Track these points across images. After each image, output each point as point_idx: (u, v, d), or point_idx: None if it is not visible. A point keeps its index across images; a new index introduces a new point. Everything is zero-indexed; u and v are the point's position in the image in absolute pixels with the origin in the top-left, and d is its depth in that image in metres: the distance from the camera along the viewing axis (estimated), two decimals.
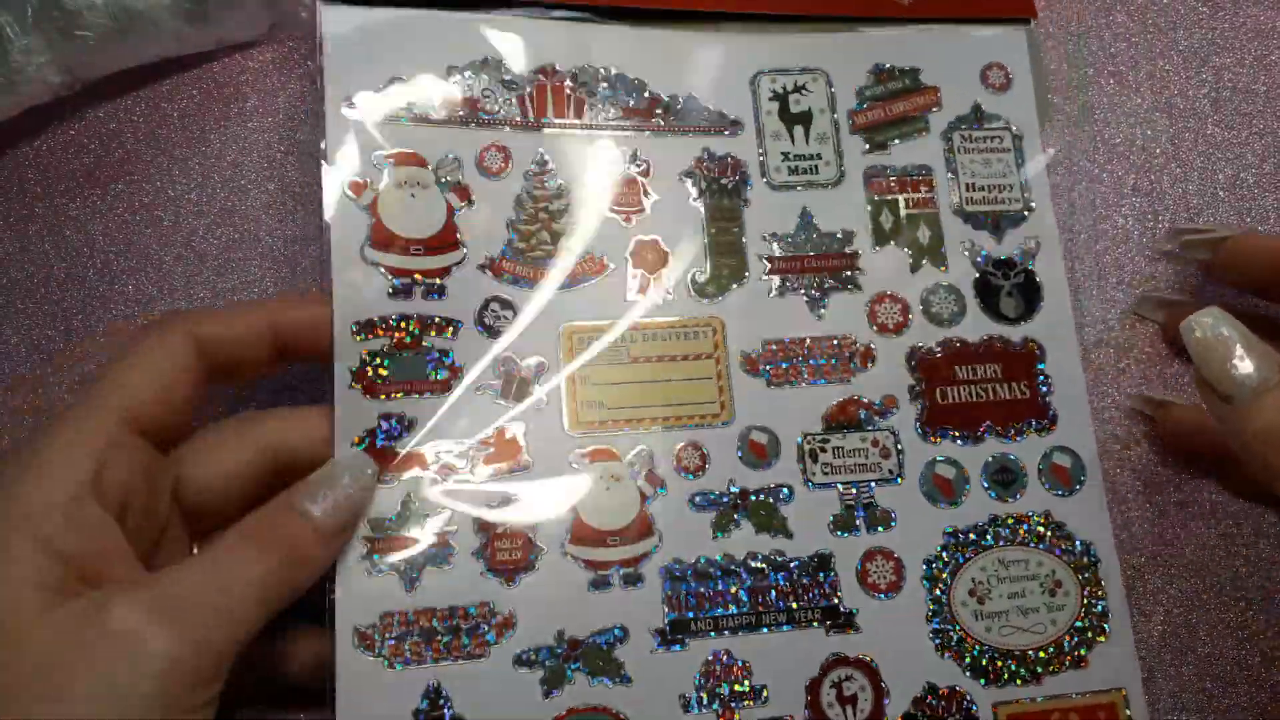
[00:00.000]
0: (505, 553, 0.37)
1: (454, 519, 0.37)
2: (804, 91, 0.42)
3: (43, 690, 0.27)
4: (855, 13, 0.43)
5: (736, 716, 0.37)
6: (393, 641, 0.35)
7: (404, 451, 0.37)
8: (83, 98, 0.41)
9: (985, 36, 0.43)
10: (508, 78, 0.40)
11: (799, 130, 0.42)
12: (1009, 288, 0.42)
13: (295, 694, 0.37)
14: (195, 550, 0.35)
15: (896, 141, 0.42)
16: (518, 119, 0.39)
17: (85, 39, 0.38)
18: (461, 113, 0.39)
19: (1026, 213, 0.43)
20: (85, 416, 0.31)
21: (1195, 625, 0.41)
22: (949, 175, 0.42)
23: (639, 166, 0.40)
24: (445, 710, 0.35)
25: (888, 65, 0.43)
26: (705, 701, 0.36)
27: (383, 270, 0.38)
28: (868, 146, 0.42)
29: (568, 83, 0.40)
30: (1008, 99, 0.43)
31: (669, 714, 0.36)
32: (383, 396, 0.37)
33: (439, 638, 0.36)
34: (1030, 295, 0.42)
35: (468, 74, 0.39)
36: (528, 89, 0.40)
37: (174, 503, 0.34)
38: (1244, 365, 0.31)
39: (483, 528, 0.37)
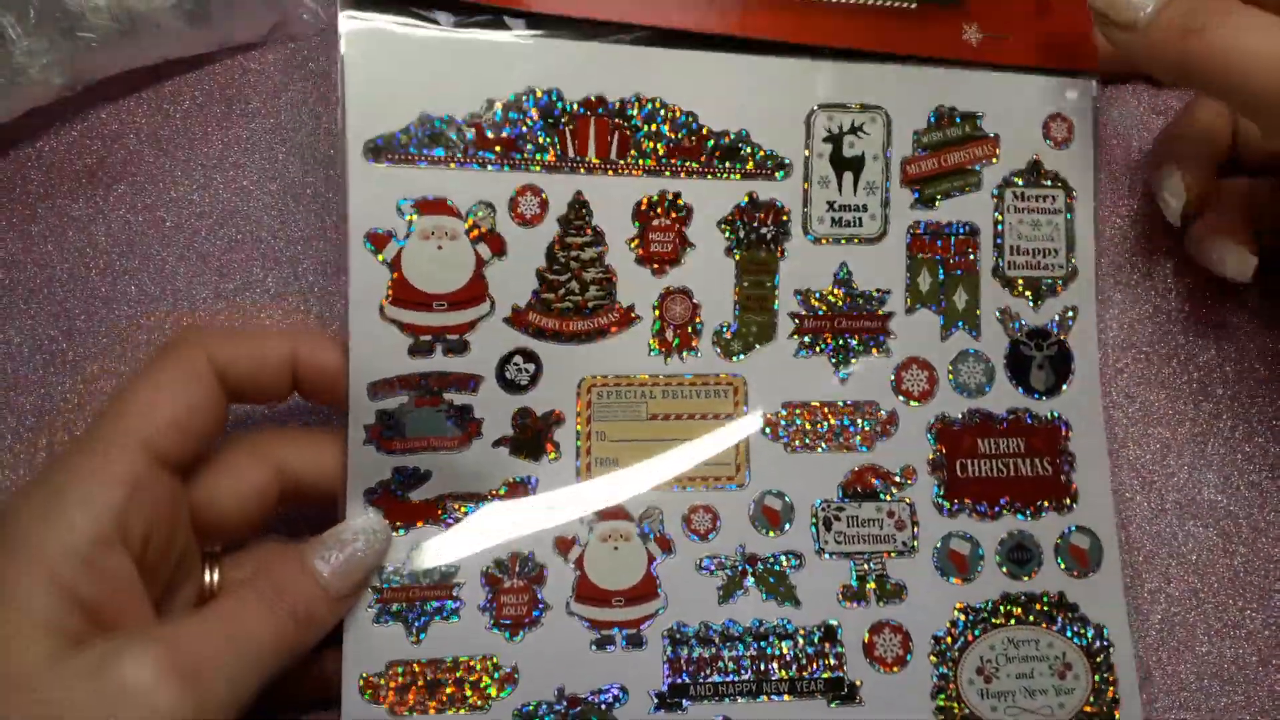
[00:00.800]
0: (511, 607, 0.37)
1: (462, 572, 0.37)
2: (860, 133, 0.40)
3: None
4: (922, 51, 0.40)
5: None
6: (398, 691, 0.36)
7: (416, 501, 0.37)
8: (85, 99, 0.41)
9: (1052, 84, 0.41)
10: (548, 110, 0.37)
11: (848, 178, 0.40)
12: (1040, 359, 0.41)
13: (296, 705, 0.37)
14: (207, 573, 0.35)
15: (946, 198, 0.40)
16: (559, 158, 0.37)
17: (88, 40, 0.37)
18: (497, 152, 0.37)
19: (1069, 279, 0.41)
20: (107, 452, 0.31)
21: (1194, 625, 0.41)
22: (995, 236, 0.41)
23: (680, 212, 0.39)
24: None
25: (950, 107, 0.40)
26: None
27: (402, 328, 0.37)
28: (916, 200, 0.40)
29: (614, 117, 0.38)
30: (1067, 155, 0.41)
31: None
32: (398, 452, 0.37)
33: (443, 689, 0.36)
34: (1061, 368, 0.41)
35: (509, 108, 0.37)
36: (570, 125, 0.37)
37: (191, 535, 0.34)
38: None
39: (490, 581, 0.37)
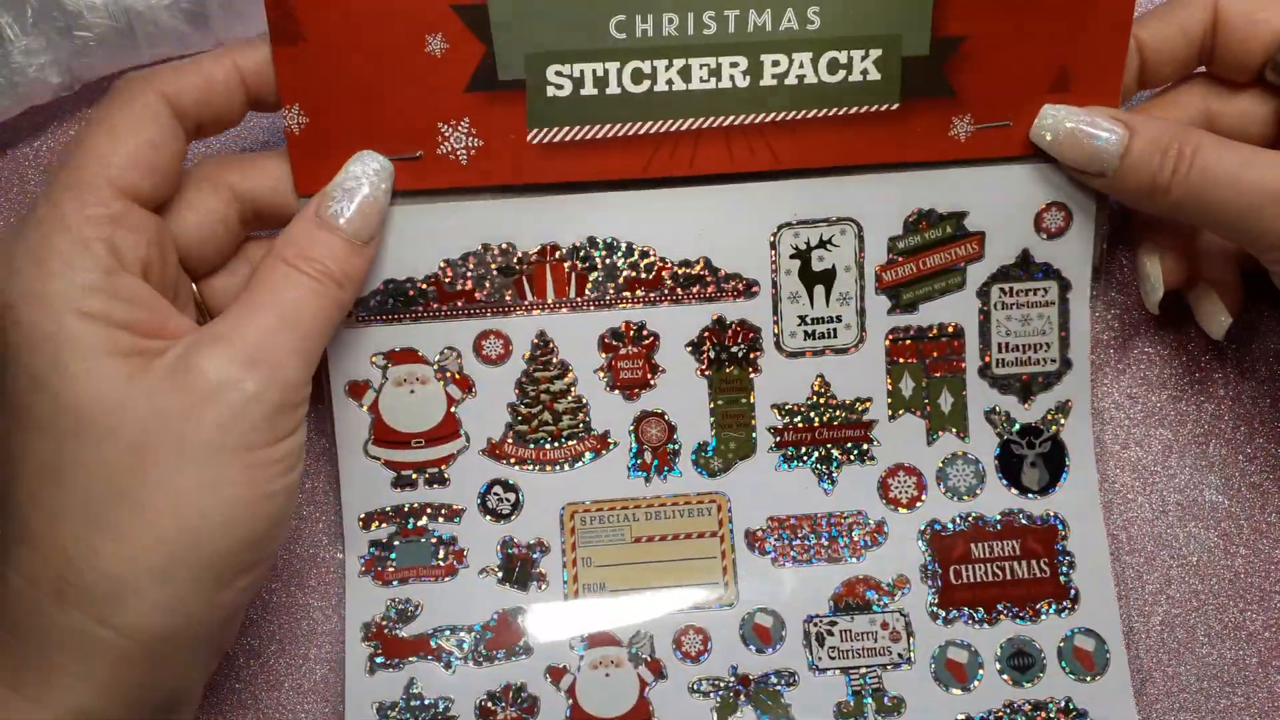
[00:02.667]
0: None
1: (456, 705, 0.38)
2: (829, 246, 0.39)
3: (161, 443, 0.30)
4: (901, 157, 0.38)
5: None
6: None
7: (409, 637, 0.38)
8: (83, 98, 0.41)
9: (1048, 171, 0.38)
10: (502, 264, 0.38)
11: (819, 290, 0.40)
12: (1033, 457, 0.40)
13: None
14: (195, 290, 0.36)
15: (927, 300, 0.40)
16: (517, 304, 0.39)
17: (85, 39, 0.37)
18: (458, 304, 0.38)
19: (1062, 373, 0.40)
20: (81, 196, 0.31)
21: (1193, 626, 0.40)
22: (981, 335, 0.40)
23: (644, 340, 0.39)
24: None
25: (930, 210, 0.39)
26: None
27: (385, 465, 0.38)
28: (894, 306, 0.40)
29: (568, 261, 0.39)
30: (1062, 244, 0.39)
31: None
32: (391, 583, 0.38)
33: None
34: (1055, 465, 0.40)
35: (461, 265, 0.38)
36: (527, 272, 0.39)
37: (179, 263, 0.35)
38: (1097, 140, 0.36)
39: (484, 714, 0.38)
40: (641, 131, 0.37)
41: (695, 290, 0.39)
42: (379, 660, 0.38)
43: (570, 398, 0.39)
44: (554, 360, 0.39)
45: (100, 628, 0.30)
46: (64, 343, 0.30)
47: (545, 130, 0.37)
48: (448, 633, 0.38)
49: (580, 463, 0.39)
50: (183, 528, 0.30)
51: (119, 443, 0.30)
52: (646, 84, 0.36)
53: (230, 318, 0.32)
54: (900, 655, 0.39)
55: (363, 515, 0.38)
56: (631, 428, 0.39)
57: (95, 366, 0.30)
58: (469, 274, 0.38)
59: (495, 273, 0.38)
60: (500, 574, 0.39)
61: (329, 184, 0.35)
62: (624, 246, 0.39)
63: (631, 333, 0.39)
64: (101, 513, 0.30)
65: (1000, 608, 0.39)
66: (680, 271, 0.39)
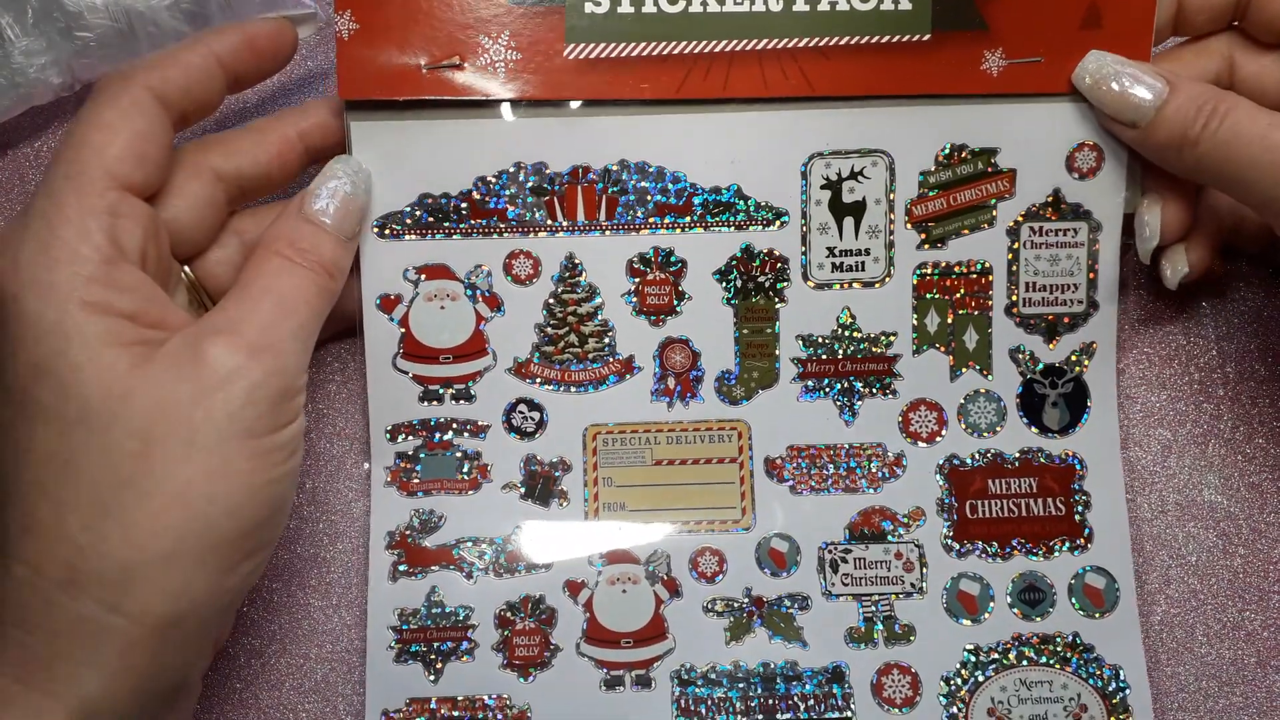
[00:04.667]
0: (523, 649, 0.39)
1: (476, 614, 0.39)
2: (860, 178, 0.40)
3: (169, 430, 0.31)
4: (933, 89, 0.38)
5: None
6: None
7: (432, 547, 0.39)
8: (83, 98, 0.39)
9: (1082, 109, 0.38)
10: (535, 183, 0.39)
11: (849, 223, 0.40)
12: (1055, 397, 0.40)
13: None
14: (185, 274, 0.37)
15: (956, 236, 0.40)
16: (547, 224, 0.39)
17: (86, 40, 0.38)
18: (490, 222, 0.39)
19: (1088, 314, 0.40)
20: (79, 188, 0.32)
21: (1193, 626, 0.41)
22: (1009, 273, 0.40)
23: (672, 267, 0.39)
24: None
25: (961, 145, 0.39)
26: None
27: (414, 379, 0.39)
28: (923, 241, 0.40)
29: (599, 183, 0.39)
30: (1093, 185, 0.39)
31: None
32: (415, 494, 0.39)
33: None
34: (1076, 406, 0.40)
35: (495, 183, 0.39)
36: (558, 192, 0.39)
37: (170, 250, 0.36)
38: (1138, 90, 0.36)
39: (502, 624, 0.39)
40: (676, 51, 0.37)
41: (722, 219, 0.39)
42: (402, 568, 0.39)
43: (596, 321, 0.40)
44: (582, 283, 0.39)
45: (110, 614, 0.30)
46: (68, 332, 0.30)
47: (582, 46, 0.37)
48: (470, 544, 0.39)
49: (604, 385, 0.40)
50: (190, 514, 0.31)
51: (125, 430, 0.30)
52: (682, 4, 0.37)
53: (231, 308, 0.33)
54: (913, 585, 0.39)
55: (390, 427, 0.39)
56: (656, 353, 0.40)
57: (99, 355, 0.31)
58: (502, 192, 0.39)
59: (527, 192, 0.39)
60: (523, 490, 0.39)
61: (312, 183, 0.36)
62: (655, 170, 0.39)
63: (659, 258, 0.39)
64: (109, 500, 0.30)
65: (1014, 543, 0.40)
66: (710, 198, 0.39)
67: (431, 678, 0.38)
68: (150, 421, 0.31)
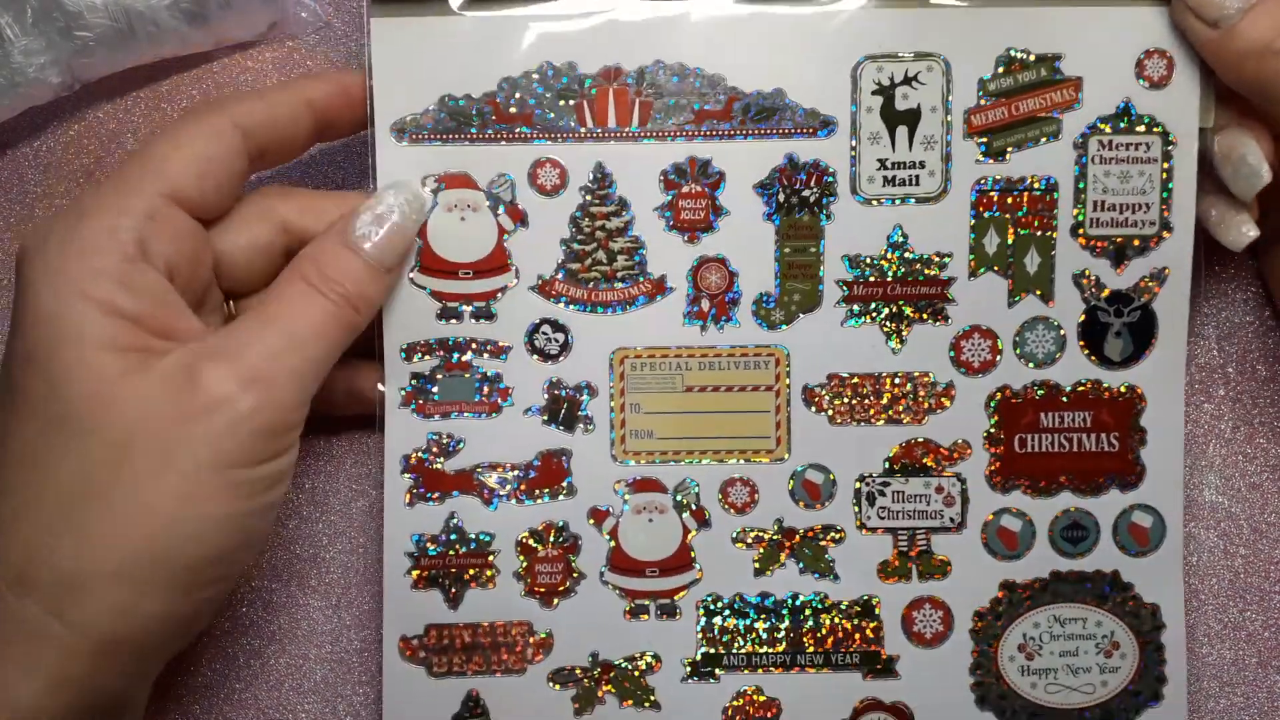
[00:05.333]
0: (545, 576, 0.38)
1: (498, 540, 0.37)
2: (915, 84, 0.36)
3: (147, 447, 0.30)
4: None
5: None
6: (436, 653, 0.37)
7: (451, 472, 0.37)
8: (83, 98, 0.41)
9: (1152, 14, 0.35)
10: (564, 83, 0.35)
11: (902, 132, 0.36)
12: (1119, 326, 0.37)
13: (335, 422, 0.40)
14: (227, 307, 0.37)
15: (1018, 149, 0.36)
16: (575, 130, 0.36)
17: (85, 39, 0.37)
18: (515, 128, 0.36)
19: (1161, 237, 0.37)
20: (124, 189, 0.32)
21: (1193, 627, 0.40)
22: (1076, 189, 0.37)
23: (709, 178, 0.36)
24: (482, 717, 0.37)
25: (1022, 50, 0.36)
26: None
27: (431, 294, 0.37)
28: (983, 154, 0.36)
29: (632, 85, 0.35)
30: (1166, 95, 0.36)
31: None
32: (432, 416, 0.37)
33: (480, 652, 0.37)
34: (1142, 336, 0.37)
35: (522, 83, 0.35)
36: (588, 95, 0.35)
37: (213, 275, 0.35)
38: None
39: (524, 551, 0.37)
40: None
41: (765, 127, 0.36)
42: (419, 493, 0.37)
43: (626, 237, 0.37)
44: (612, 195, 0.36)
45: (53, 621, 0.29)
46: (64, 326, 0.30)
47: None
48: (490, 469, 0.37)
49: (633, 307, 0.37)
50: (149, 534, 0.30)
51: (102, 440, 0.30)
52: None
53: (238, 331, 0.32)
54: (952, 520, 0.38)
55: (405, 346, 0.37)
56: (690, 273, 0.37)
57: (91, 357, 0.30)
58: (528, 95, 0.35)
59: (555, 95, 0.35)
60: (546, 415, 0.37)
61: (360, 206, 0.34)
62: (693, 72, 0.35)
63: (695, 169, 0.36)
64: (71, 507, 0.29)
65: (1062, 478, 0.38)
66: (753, 103, 0.36)
67: (450, 604, 0.37)
68: (128, 435, 0.30)
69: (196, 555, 0.30)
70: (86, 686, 0.30)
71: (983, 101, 0.36)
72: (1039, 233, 0.37)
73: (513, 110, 0.36)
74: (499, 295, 0.37)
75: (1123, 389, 0.37)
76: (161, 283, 0.31)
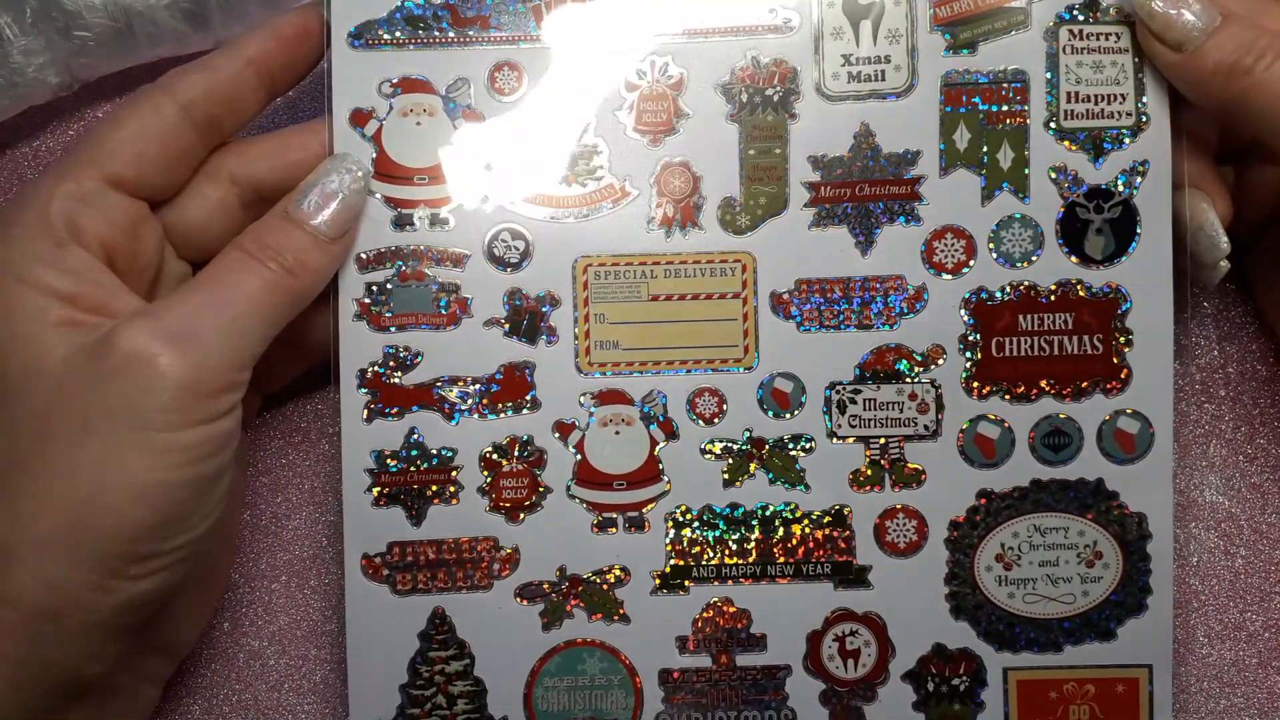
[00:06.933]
0: (510, 491, 0.37)
1: (460, 456, 0.37)
2: None
3: (67, 413, 0.30)
4: None
5: (732, 661, 0.37)
6: (400, 570, 0.37)
7: (409, 385, 0.37)
8: (82, 98, 0.41)
9: None
10: None
11: (865, 27, 0.35)
12: (1099, 223, 0.36)
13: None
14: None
15: (986, 40, 0.35)
16: (532, 33, 0.35)
17: (84, 39, 0.37)
18: (472, 31, 0.35)
19: (1138, 129, 0.36)
20: (61, 175, 0.32)
21: (1193, 627, 0.40)
22: (1047, 80, 0.35)
23: (670, 79, 0.35)
24: (449, 634, 0.37)
25: None
26: (701, 644, 0.37)
27: (386, 201, 0.36)
28: (950, 46, 0.35)
29: None
30: None
31: (665, 654, 0.37)
32: (388, 329, 0.36)
33: (445, 569, 0.37)
34: (1124, 232, 0.36)
35: None
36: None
37: (170, 248, 0.36)
38: (1190, 12, 0.34)
39: (488, 466, 0.37)
40: None
41: (724, 27, 0.35)
42: (376, 408, 0.37)
43: (586, 139, 0.36)
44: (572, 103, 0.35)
45: None
46: (4, 312, 0.30)
47: None
48: (450, 383, 0.37)
49: (596, 213, 0.36)
50: (73, 502, 0.29)
51: (29, 408, 0.30)
52: None
53: (168, 298, 0.32)
54: (926, 427, 0.37)
55: (361, 255, 0.36)
56: (653, 178, 0.36)
57: (24, 330, 0.30)
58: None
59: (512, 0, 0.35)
60: (507, 326, 0.37)
61: (302, 181, 0.34)
62: None
63: (655, 70, 0.35)
64: (1, 478, 0.30)
65: (1043, 384, 0.36)
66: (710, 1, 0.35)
67: (413, 521, 0.37)
68: (50, 402, 0.30)
69: (118, 527, 0.30)
70: (26, 662, 0.30)
71: None
72: (1011, 126, 0.36)
73: (470, 14, 0.35)
74: (455, 200, 0.36)
75: (1106, 287, 0.36)
76: (93, 263, 0.32)
